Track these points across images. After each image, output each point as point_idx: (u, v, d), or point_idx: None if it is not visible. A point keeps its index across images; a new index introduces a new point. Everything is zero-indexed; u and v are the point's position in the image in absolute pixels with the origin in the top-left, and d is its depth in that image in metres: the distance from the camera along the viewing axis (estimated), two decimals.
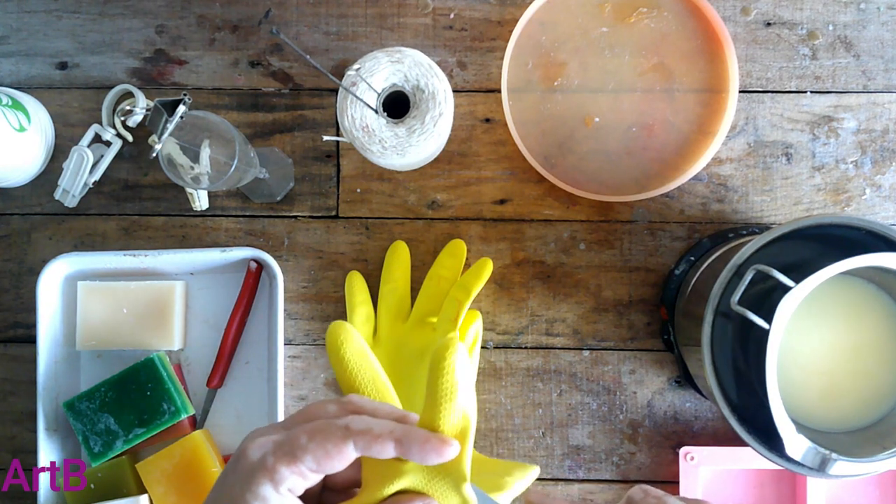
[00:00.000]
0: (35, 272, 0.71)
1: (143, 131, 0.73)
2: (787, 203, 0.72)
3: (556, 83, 0.72)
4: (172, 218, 0.73)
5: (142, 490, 0.67)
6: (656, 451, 0.71)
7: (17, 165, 0.70)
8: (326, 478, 0.41)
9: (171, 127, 0.59)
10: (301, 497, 0.38)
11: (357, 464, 0.40)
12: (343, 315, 0.72)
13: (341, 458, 0.36)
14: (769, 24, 0.72)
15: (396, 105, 0.62)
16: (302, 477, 0.37)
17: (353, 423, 0.37)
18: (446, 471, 0.38)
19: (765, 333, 0.52)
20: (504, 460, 0.65)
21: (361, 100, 0.60)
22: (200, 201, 0.72)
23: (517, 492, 0.61)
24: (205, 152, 0.65)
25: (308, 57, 0.56)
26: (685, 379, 0.71)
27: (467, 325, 0.69)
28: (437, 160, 0.72)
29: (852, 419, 0.59)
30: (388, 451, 0.36)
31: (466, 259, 0.72)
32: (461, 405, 0.38)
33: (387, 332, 0.70)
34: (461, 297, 0.68)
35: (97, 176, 0.72)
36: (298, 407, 0.72)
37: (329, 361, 0.48)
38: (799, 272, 0.53)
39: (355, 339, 0.41)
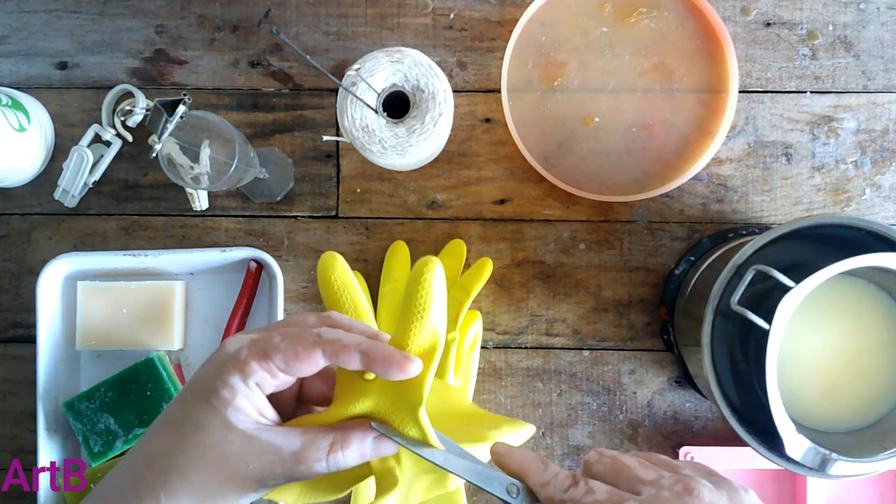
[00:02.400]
0: (35, 272, 0.71)
1: (143, 131, 0.73)
2: (787, 203, 0.72)
3: (556, 83, 0.72)
4: (172, 218, 0.73)
5: None
6: (656, 450, 0.71)
7: (16, 165, 0.70)
8: (302, 391, 0.44)
9: (171, 127, 0.59)
10: (276, 407, 0.41)
11: (331, 381, 0.43)
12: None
13: (309, 362, 0.39)
14: (769, 24, 0.72)
15: (396, 105, 0.62)
16: (271, 374, 0.39)
17: (325, 332, 0.40)
18: (406, 392, 0.40)
19: (765, 333, 0.52)
20: (499, 415, 0.64)
21: (361, 100, 0.60)
22: (200, 201, 0.72)
23: None
24: (205, 152, 0.65)
25: (308, 57, 0.56)
26: (685, 379, 0.71)
27: (467, 325, 0.69)
28: (437, 160, 0.72)
29: (852, 419, 0.59)
30: (353, 361, 0.39)
31: (466, 259, 0.72)
32: (432, 323, 0.40)
33: (387, 332, 0.70)
34: (461, 297, 0.68)
35: (97, 176, 0.72)
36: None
37: (318, 288, 0.51)
38: (799, 272, 0.53)
39: (344, 267, 0.45)
